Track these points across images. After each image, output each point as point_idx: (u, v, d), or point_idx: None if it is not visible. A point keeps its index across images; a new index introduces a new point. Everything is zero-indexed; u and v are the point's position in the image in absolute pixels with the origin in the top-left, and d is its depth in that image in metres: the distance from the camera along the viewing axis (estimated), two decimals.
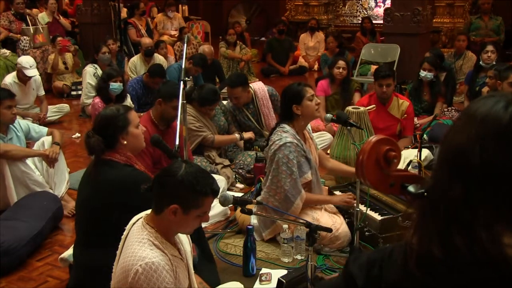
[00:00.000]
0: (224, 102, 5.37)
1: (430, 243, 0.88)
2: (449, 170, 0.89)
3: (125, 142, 2.58)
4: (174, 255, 1.96)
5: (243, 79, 4.99)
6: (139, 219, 2.03)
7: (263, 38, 11.36)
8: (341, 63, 5.74)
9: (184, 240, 2.17)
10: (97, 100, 5.08)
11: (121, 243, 2.02)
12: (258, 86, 5.11)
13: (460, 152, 0.88)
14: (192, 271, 2.16)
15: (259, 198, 3.41)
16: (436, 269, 0.89)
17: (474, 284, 0.86)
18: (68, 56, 7.98)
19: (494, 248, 0.83)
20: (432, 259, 0.88)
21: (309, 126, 3.80)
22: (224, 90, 7.33)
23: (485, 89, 5.34)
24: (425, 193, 0.94)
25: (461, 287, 0.87)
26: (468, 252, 0.84)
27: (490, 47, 6.03)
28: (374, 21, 9.89)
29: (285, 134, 3.29)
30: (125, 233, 2.03)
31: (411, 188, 1.12)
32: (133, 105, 5.72)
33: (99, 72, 6.79)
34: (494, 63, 5.88)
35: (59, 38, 7.87)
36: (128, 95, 5.63)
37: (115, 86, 5.10)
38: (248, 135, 4.87)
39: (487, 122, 0.86)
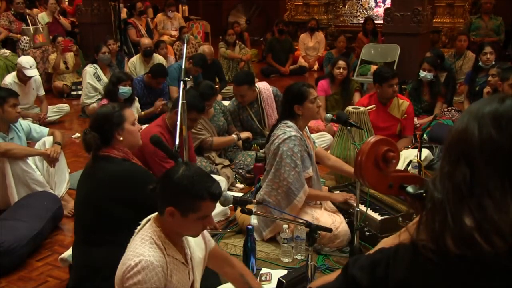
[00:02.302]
0: (225, 103, 5.37)
1: (441, 236, 0.89)
2: (453, 157, 0.92)
3: (121, 138, 2.62)
4: (176, 257, 1.96)
5: (250, 78, 5.00)
6: (152, 217, 2.05)
7: (261, 39, 11.36)
8: (341, 63, 5.75)
9: (196, 246, 2.14)
10: (105, 103, 5.05)
11: (132, 238, 2.04)
12: (263, 86, 5.11)
13: (461, 135, 0.93)
14: (198, 280, 2.12)
15: (260, 192, 3.41)
16: (450, 261, 0.89)
17: (492, 274, 0.86)
18: (69, 56, 7.98)
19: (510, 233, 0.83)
20: (445, 251, 0.89)
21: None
22: (225, 90, 7.36)
23: (487, 89, 5.33)
24: (424, 193, 0.94)
25: (477, 278, 0.87)
26: (484, 241, 0.85)
27: (488, 49, 5.99)
28: (374, 21, 9.84)
29: (289, 129, 3.30)
30: (138, 228, 2.05)
31: (409, 189, 1.12)
32: (140, 110, 5.71)
33: (99, 72, 6.80)
34: (493, 63, 5.87)
35: (59, 38, 7.88)
36: (137, 98, 5.62)
37: (125, 90, 5.10)
38: (245, 134, 4.87)
39: (485, 110, 0.93)
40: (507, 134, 0.89)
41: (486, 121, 0.92)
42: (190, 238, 2.11)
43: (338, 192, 3.68)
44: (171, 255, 1.95)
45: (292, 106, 3.34)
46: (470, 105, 1.00)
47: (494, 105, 0.94)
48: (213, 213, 3.74)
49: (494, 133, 0.90)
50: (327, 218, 3.31)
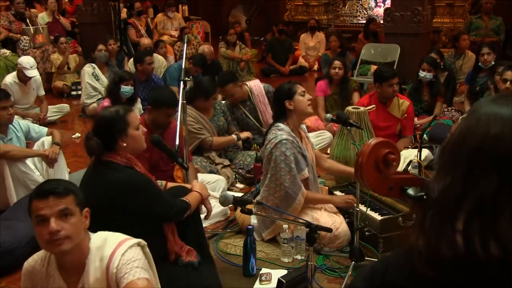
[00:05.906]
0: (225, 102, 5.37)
1: (440, 244, 0.88)
2: (481, 164, 0.85)
3: (125, 144, 2.54)
4: (53, 286, 1.97)
5: (230, 76, 5.05)
6: None
7: (261, 39, 11.37)
8: (337, 63, 5.73)
9: (94, 282, 1.93)
10: (106, 103, 5.03)
11: None
12: (253, 84, 5.13)
13: (492, 141, 0.85)
14: None
15: (258, 198, 3.42)
16: (448, 269, 0.88)
17: (491, 284, 0.86)
18: (71, 57, 8.00)
19: None
20: (443, 260, 0.88)
21: (304, 126, 3.80)
22: None
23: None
24: (425, 196, 0.93)
25: (476, 286, 0.87)
26: (484, 252, 0.83)
27: (485, 50, 5.97)
28: (377, 22, 9.75)
29: (280, 132, 3.31)
30: None
31: (410, 191, 1.12)
32: (142, 111, 5.70)
33: (97, 71, 6.80)
34: (493, 63, 5.88)
35: (63, 39, 7.87)
36: (139, 99, 5.60)
37: (126, 89, 5.06)
38: (245, 134, 4.87)
39: (504, 115, 0.85)
40: None
41: None
42: (89, 274, 1.94)
43: (338, 193, 3.69)
44: (52, 275, 1.97)
45: (283, 103, 3.36)
46: (476, 108, 0.90)
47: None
48: (213, 213, 3.77)
49: None
50: (327, 218, 3.31)
